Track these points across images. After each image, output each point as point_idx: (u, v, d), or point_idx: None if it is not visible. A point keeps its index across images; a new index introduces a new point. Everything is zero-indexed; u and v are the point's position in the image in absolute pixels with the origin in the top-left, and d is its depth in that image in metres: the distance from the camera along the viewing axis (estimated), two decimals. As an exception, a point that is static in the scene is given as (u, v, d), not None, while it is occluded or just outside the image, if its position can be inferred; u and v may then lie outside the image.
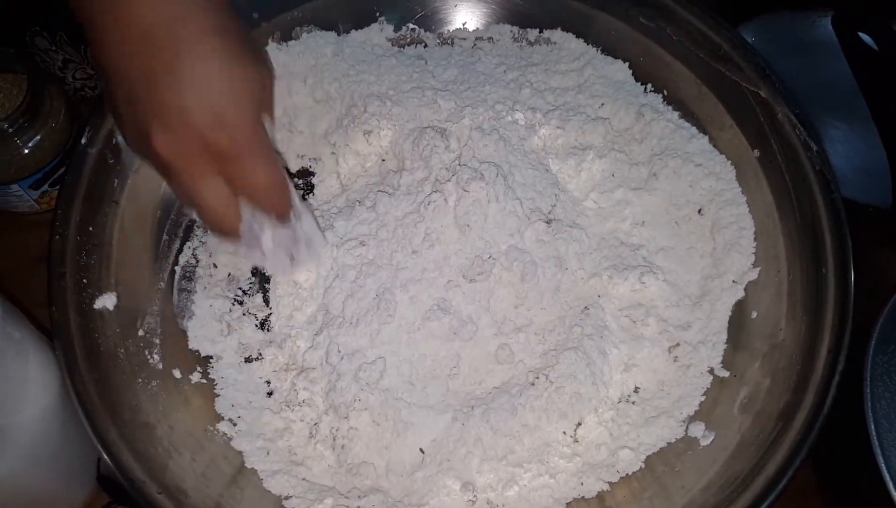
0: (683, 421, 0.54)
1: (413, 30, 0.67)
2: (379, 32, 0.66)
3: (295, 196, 0.48)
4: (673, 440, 0.53)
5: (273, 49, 0.63)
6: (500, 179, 0.55)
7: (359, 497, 0.51)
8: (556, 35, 0.66)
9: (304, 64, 0.62)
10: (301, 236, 0.51)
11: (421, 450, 0.52)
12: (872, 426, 0.49)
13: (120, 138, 0.54)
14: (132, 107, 0.43)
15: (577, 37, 0.65)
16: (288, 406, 0.54)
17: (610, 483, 0.52)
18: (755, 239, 0.57)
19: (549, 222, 0.56)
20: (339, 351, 0.53)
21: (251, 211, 0.46)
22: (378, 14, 0.66)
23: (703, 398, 0.54)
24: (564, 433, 0.53)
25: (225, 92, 0.43)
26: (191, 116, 0.42)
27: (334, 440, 0.53)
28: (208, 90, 0.42)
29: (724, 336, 0.56)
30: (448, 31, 0.67)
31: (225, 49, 0.43)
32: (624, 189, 0.59)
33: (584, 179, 0.60)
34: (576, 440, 0.53)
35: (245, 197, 0.45)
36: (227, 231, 0.46)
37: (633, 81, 0.64)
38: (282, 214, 0.48)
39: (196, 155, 0.43)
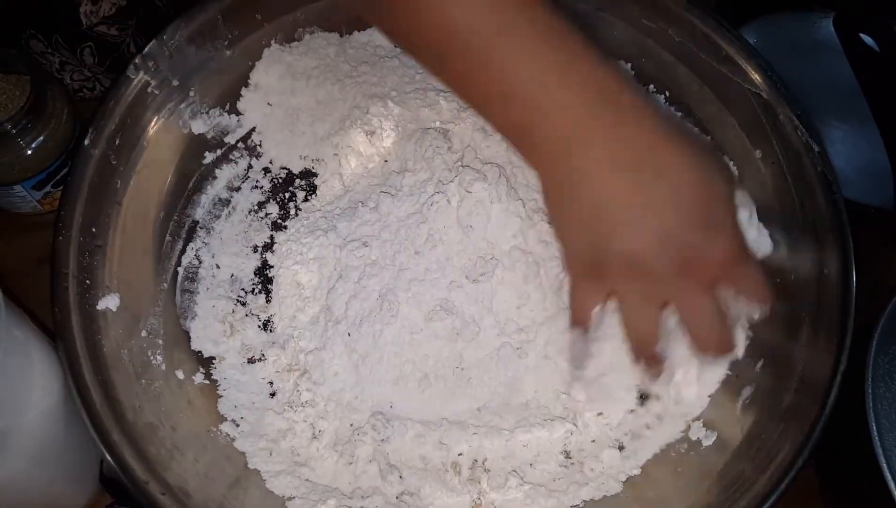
0: (687, 423, 0.54)
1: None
2: (381, 34, 0.66)
3: None
4: (674, 440, 0.53)
5: (276, 50, 0.63)
6: (502, 179, 0.55)
7: (362, 497, 0.51)
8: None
9: (306, 65, 0.62)
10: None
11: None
12: (874, 427, 0.49)
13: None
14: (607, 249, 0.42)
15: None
16: (291, 408, 0.54)
17: (613, 486, 0.52)
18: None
19: (551, 222, 0.56)
20: (343, 352, 0.53)
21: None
22: (380, 15, 0.66)
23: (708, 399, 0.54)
24: (570, 433, 0.53)
25: (715, 202, 0.42)
26: (699, 240, 0.41)
27: (335, 444, 0.53)
28: (698, 211, 0.41)
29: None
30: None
31: (693, 157, 0.42)
32: None
33: None
34: (580, 443, 0.53)
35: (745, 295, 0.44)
36: (727, 341, 0.45)
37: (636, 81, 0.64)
38: (768, 302, 0.46)
39: (700, 273, 0.42)
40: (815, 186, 0.54)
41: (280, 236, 0.60)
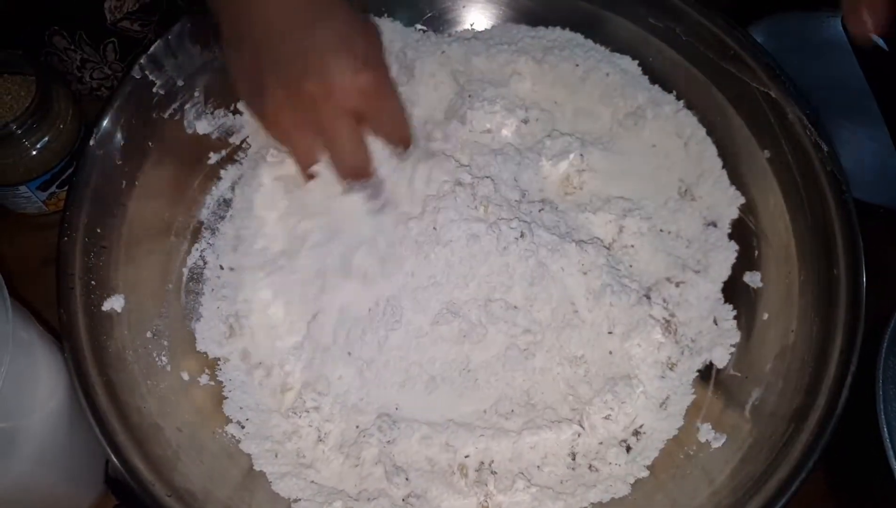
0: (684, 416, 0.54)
1: (423, 31, 0.67)
2: (387, 34, 0.66)
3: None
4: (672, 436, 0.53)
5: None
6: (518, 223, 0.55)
7: (368, 499, 0.50)
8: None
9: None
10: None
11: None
12: (885, 428, 0.49)
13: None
14: (273, 63, 0.48)
15: (586, 37, 0.65)
16: (295, 413, 0.53)
17: (621, 488, 0.52)
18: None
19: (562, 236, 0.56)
20: (344, 362, 0.53)
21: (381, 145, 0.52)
22: (386, 15, 0.65)
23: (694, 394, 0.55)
24: (577, 435, 0.53)
25: (365, 39, 0.50)
26: (340, 58, 0.47)
27: (340, 446, 0.53)
28: (352, 38, 0.48)
29: (737, 338, 0.56)
30: (456, 31, 0.67)
31: (350, 11, 0.50)
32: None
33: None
34: (588, 445, 0.53)
35: (379, 131, 0.51)
36: (362, 167, 0.52)
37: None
38: (408, 141, 0.53)
39: (339, 97, 0.48)
40: (825, 185, 0.54)
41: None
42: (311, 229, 0.55)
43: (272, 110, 0.50)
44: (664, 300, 0.56)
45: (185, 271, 0.58)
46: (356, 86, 0.48)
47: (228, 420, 0.54)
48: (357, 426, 0.53)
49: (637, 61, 0.64)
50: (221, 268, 0.59)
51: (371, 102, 0.49)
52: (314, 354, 0.54)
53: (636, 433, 0.54)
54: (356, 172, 0.52)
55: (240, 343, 0.56)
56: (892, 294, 0.53)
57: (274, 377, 0.55)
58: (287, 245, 0.57)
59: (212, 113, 0.60)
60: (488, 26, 0.67)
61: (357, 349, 0.53)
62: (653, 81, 0.63)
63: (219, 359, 0.56)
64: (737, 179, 0.60)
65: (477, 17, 0.67)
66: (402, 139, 0.53)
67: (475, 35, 0.66)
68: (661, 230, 0.59)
